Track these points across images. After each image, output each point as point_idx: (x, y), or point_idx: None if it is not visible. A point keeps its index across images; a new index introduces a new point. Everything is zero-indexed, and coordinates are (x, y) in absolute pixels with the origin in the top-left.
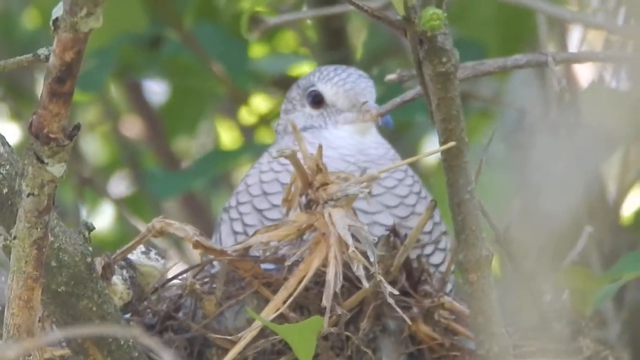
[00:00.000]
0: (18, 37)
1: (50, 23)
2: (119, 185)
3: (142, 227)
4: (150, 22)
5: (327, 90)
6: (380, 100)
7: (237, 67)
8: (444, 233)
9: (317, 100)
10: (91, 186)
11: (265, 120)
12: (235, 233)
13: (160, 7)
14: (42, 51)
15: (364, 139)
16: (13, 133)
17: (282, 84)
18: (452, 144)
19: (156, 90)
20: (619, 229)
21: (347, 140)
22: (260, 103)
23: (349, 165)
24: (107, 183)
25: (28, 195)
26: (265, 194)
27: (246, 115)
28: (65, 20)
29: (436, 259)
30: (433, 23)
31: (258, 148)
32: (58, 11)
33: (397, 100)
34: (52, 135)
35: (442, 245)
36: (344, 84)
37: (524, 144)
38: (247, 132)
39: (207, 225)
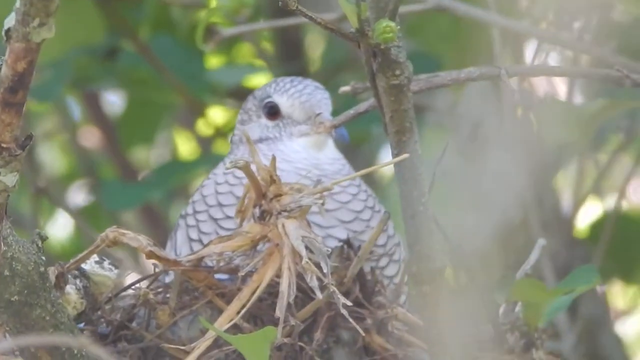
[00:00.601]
0: None
1: (2, 33)
2: (77, 195)
3: (98, 237)
4: (107, 33)
5: (283, 101)
6: (335, 113)
7: (193, 79)
8: (397, 244)
9: (273, 112)
10: (47, 196)
11: (222, 132)
12: (191, 240)
13: (117, 18)
14: None
15: (320, 154)
16: None
17: (238, 95)
18: (405, 156)
19: (113, 100)
20: (573, 241)
21: (302, 154)
22: (216, 114)
23: (301, 179)
24: (65, 193)
25: None
26: (220, 205)
27: (203, 127)
28: (17, 30)
29: (390, 270)
30: (386, 36)
31: (215, 159)
32: (10, 21)
33: (351, 112)
34: (4, 145)
35: (396, 257)
36: (300, 96)
37: (478, 157)
38: (205, 142)
39: (165, 236)
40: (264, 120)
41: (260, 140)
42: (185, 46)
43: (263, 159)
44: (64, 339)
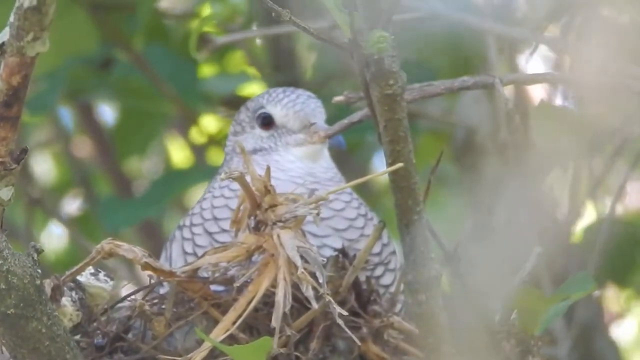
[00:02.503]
0: None
1: None
2: (71, 205)
3: (93, 247)
4: (101, 44)
5: (276, 111)
6: (329, 122)
7: (187, 88)
8: (393, 253)
9: (267, 122)
10: (42, 207)
11: (215, 140)
12: (186, 253)
13: (110, 28)
14: None
15: (315, 164)
16: None
17: (231, 103)
18: (399, 165)
19: (107, 111)
20: (569, 248)
21: (297, 164)
22: (210, 123)
23: (296, 187)
24: (59, 203)
25: None
26: (215, 218)
27: (196, 136)
28: (11, 44)
29: (386, 279)
30: (380, 45)
31: (210, 168)
32: (4, 36)
33: (345, 121)
34: None
35: (391, 265)
36: (293, 105)
37: (474, 164)
38: (199, 151)
39: (159, 245)
40: (258, 131)
41: (255, 151)
42: (178, 56)
43: (258, 169)
44: None
